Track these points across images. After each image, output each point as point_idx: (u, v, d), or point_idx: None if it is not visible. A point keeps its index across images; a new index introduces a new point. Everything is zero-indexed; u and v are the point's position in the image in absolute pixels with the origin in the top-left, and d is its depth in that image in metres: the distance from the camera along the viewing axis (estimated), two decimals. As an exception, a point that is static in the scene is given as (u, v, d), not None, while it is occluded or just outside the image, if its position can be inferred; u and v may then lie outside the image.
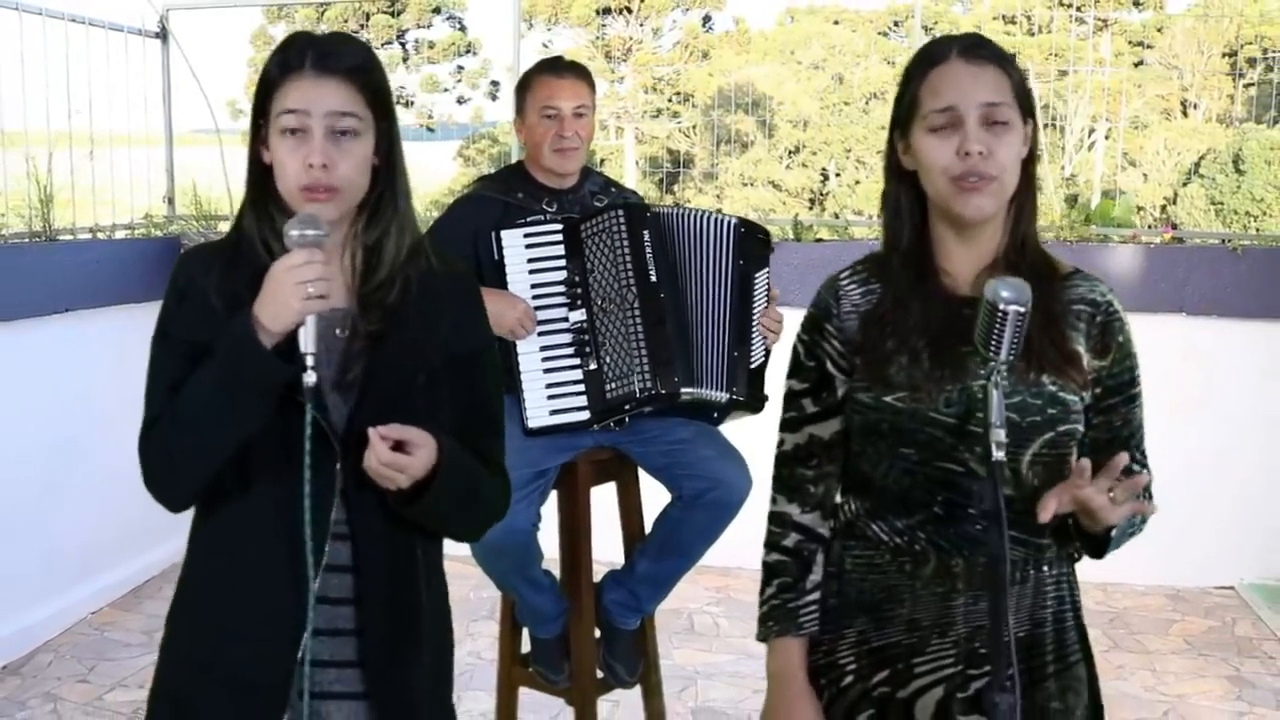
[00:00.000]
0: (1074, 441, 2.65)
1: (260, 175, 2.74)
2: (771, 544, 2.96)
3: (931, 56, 2.74)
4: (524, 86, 4.92)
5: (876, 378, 2.74)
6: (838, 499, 2.97)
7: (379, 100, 2.74)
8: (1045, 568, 2.78)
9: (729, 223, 4.51)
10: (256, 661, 2.66)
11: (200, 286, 2.65)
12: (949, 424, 2.65)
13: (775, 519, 2.97)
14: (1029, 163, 2.74)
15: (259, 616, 2.67)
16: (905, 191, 2.80)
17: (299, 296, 2.49)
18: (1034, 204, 2.79)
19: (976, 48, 2.72)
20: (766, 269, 4.56)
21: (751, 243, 4.54)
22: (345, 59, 2.71)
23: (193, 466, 2.62)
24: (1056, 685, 2.79)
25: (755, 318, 4.49)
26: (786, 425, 2.96)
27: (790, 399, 2.95)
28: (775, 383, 4.39)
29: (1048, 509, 2.49)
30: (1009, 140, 2.65)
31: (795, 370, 2.94)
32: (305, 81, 2.65)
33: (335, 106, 2.65)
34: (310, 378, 2.50)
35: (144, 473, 2.68)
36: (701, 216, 4.52)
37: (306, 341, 2.51)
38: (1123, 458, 2.47)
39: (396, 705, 2.79)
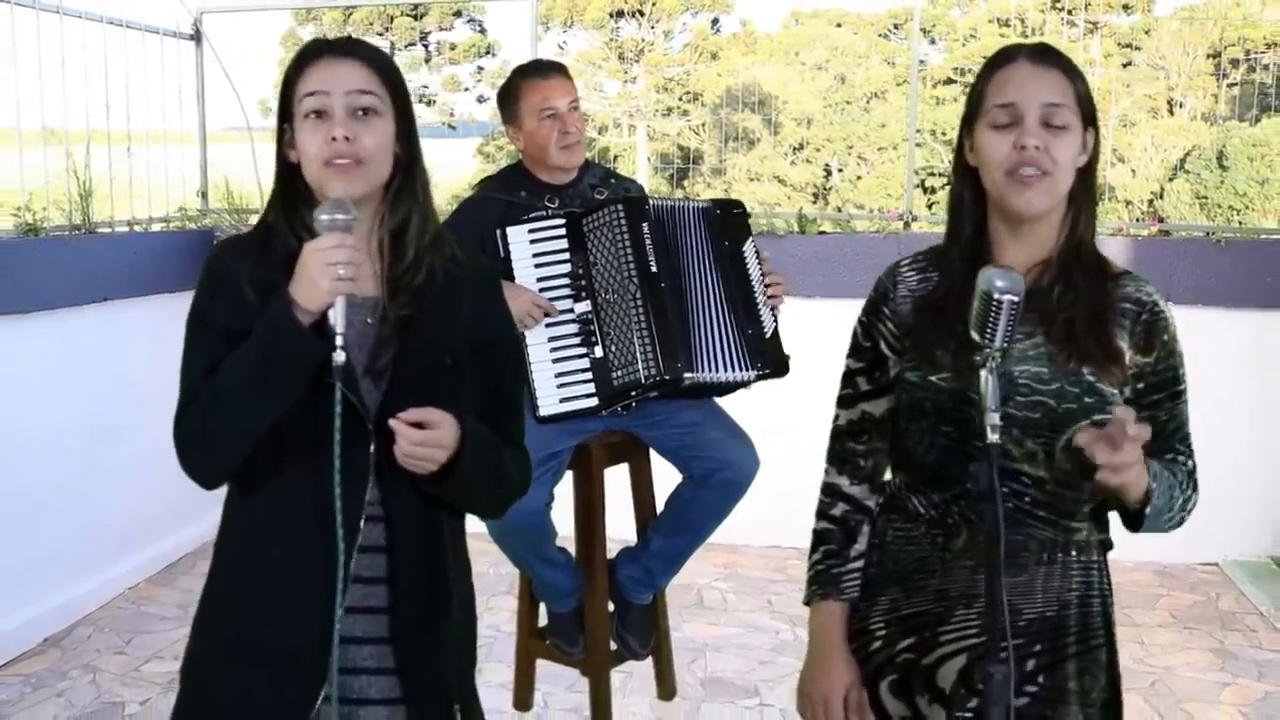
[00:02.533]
0: None
1: (287, 175, 2.75)
2: (821, 513, 3.01)
3: (1000, 58, 2.77)
4: (512, 94, 4.88)
5: (925, 358, 2.77)
6: (888, 475, 3.01)
7: (396, 86, 2.76)
8: (1074, 552, 2.79)
9: (703, 208, 4.57)
10: (293, 639, 2.66)
11: (235, 275, 2.65)
12: None
13: (826, 489, 3.01)
14: (1089, 170, 2.76)
15: (293, 595, 2.66)
16: (969, 188, 2.81)
17: (329, 277, 2.49)
18: (1093, 210, 2.81)
19: (1043, 52, 2.74)
20: (750, 237, 4.59)
21: (729, 219, 4.58)
22: (360, 46, 2.75)
23: (227, 443, 2.61)
24: (1075, 666, 2.80)
25: (756, 289, 4.50)
26: (842, 402, 3.01)
27: (847, 377, 2.99)
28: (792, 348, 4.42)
29: (1086, 433, 2.47)
30: (1066, 142, 2.66)
31: (854, 350, 2.98)
32: (323, 65, 2.68)
33: (354, 85, 2.66)
34: (340, 356, 2.50)
35: (179, 450, 2.67)
36: (679, 208, 4.56)
37: (336, 321, 2.51)
38: (1125, 416, 2.43)
39: (426, 679, 2.79)
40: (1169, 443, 2.72)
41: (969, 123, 2.80)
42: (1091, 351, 2.67)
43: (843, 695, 2.89)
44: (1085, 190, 2.76)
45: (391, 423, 2.53)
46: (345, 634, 2.63)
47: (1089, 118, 2.73)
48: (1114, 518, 2.83)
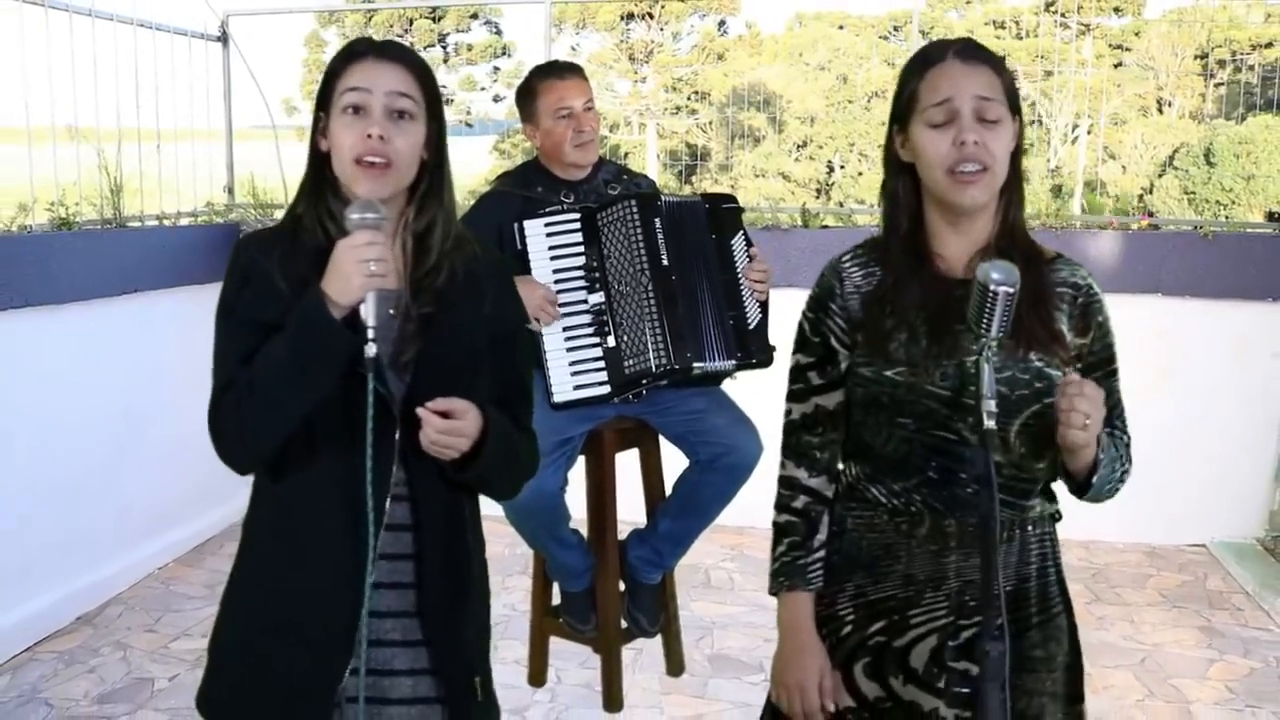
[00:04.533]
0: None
1: (319, 163, 2.76)
2: (782, 506, 2.99)
3: (929, 57, 2.76)
4: (529, 94, 4.87)
5: (878, 353, 2.76)
6: (839, 465, 2.99)
7: (432, 94, 2.77)
8: (1029, 527, 2.80)
9: (694, 203, 4.59)
10: (321, 615, 2.68)
11: (263, 269, 2.65)
12: (944, 396, 2.67)
13: (785, 483, 3.00)
14: (1016, 156, 2.76)
15: (322, 573, 2.68)
16: (903, 182, 2.82)
17: (362, 274, 2.52)
18: (1022, 194, 2.81)
19: (971, 49, 2.75)
20: (740, 230, 4.61)
21: (719, 212, 4.59)
22: (404, 51, 2.77)
23: (263, 431, 2.62)
24: (1039, 635, 2.82)
25: (741, 280, 4.51)
26: (794, 396, 2.99)
27: (797, 372, 2.97)
28: (779, 350, 4.42)
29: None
30: (1000, 134, 2.67)
31: (801, 346, 2.96)
32: (368, 64, 2.70)
33: (395, 87, 2.68)
34: (371, 349, 2.53)
35: (214, 438, 2.68)
36: (674, 204, 4.57)
37: (368, 315, 2.54)
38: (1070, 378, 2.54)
39: (451, 649, 2.83)
40: (1109, 419, 2.71)
41: (900, 120, 2.80)
42: (1037, 335, 2.68)
43: (817, 681, 2.90)
44: (1015, 176, 2.77)
45: (419, 411, 2.57)
46: (372, 608, 2.66)
47: (1015, 107, 2.74)
48: (1061, 490, 2.87)
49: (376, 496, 2.60)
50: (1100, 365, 2.78)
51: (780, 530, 2.99)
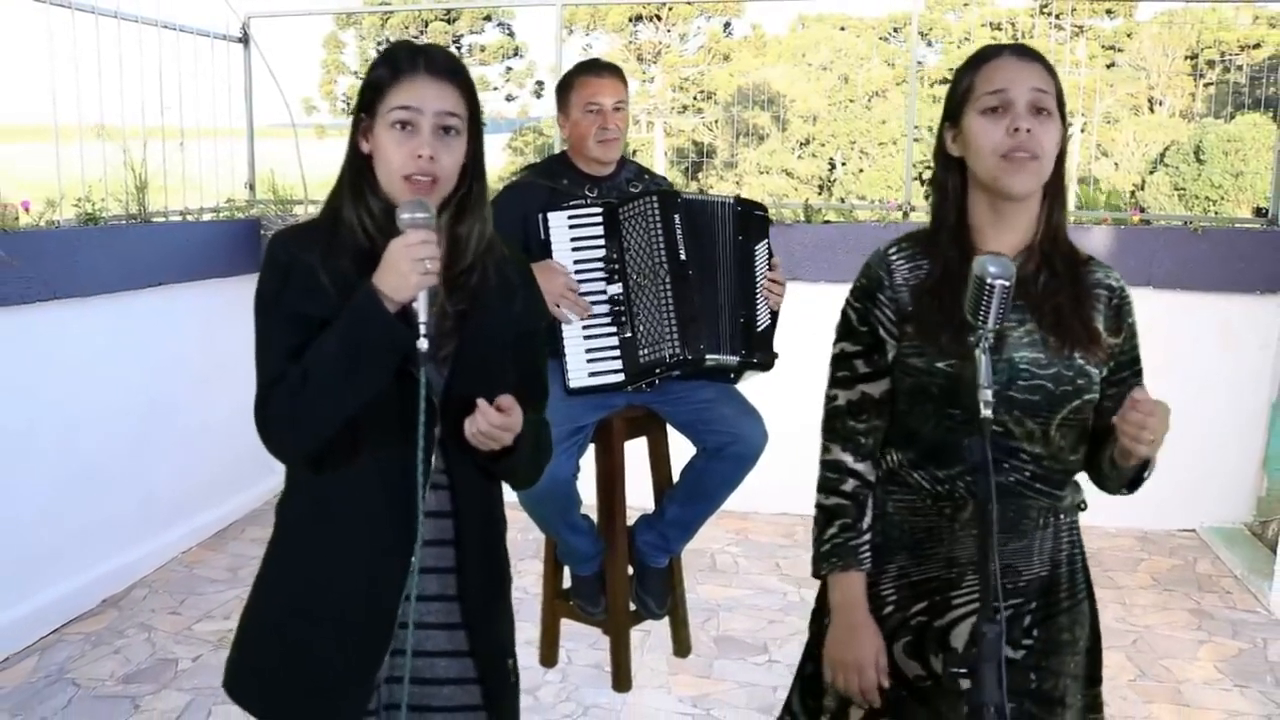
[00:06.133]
0: (1093, 408, 2.71)
1: (358, 163, 2.75)
2: (829, 489, 2.98)
3: (985, 54, 2.79)
4: (566, 86, 4.90)
5: (930, 344, 2.77)
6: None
7: (475, 106, 2.77)
8: (1061, 516, 2.83)
9: (728, 204, 4.59)
10: (365, 599, 2.70)
11: (306, 264, 2.65)
12: (992, 389, 2.65)
13: (831, 466, 2.99)
14: (1060, 159, 2.77)
15: (367, 559, 2.70)
16: (952, 177, 2.83)
17: (418, 271, 2.53)
18: (1064, 197, 2.83)
19: (1026, 49, 2.78)
20: (765, 239, 4.62)
21: (748, 218, 4.61)
22: (454, 66, 2.75)
23: (319, 423, 2.62)
24: (1067, 619, 2.85)
25: (758, 285, 4.53)
26: (840, 383, 2.98)
27: (843, 359, 2.97)
28: (783, 342, 4.42)
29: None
30: (1051, 129, 2.69)
31: (848, 334, 2.96)
32: (418, 81, 2.67)
33: (445, 106, 2.67)
34: (423, 344, 2.54)
35: (265, 431, 2.67)
36: (706, 202, 4.59)
37: (420, 311, 2.55)
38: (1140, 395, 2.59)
39: (488, 632, 2.86)
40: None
41: (952, 116, 2.82)
42: (1079, 336, 2.71)
43: (874, 659, 2.89)
44: (1058, 177, 2.79)
45: (480, 401, 2.58)
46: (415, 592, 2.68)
47: (1062, 113, 2.75)
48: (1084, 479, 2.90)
49: (422, 485, 2.63)
50: (1130, 365, 2.85)
51: (830, 513, 2.97)
